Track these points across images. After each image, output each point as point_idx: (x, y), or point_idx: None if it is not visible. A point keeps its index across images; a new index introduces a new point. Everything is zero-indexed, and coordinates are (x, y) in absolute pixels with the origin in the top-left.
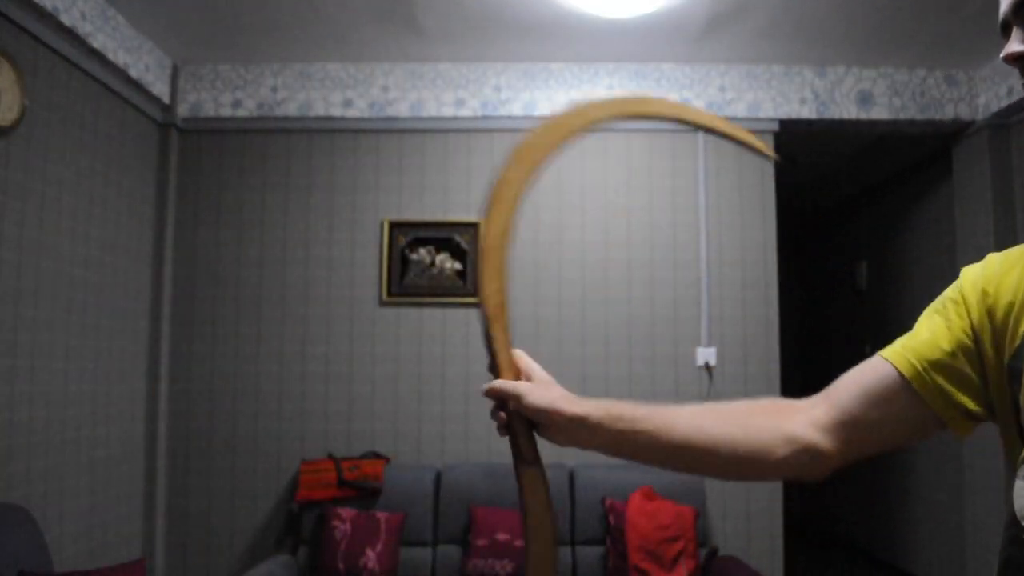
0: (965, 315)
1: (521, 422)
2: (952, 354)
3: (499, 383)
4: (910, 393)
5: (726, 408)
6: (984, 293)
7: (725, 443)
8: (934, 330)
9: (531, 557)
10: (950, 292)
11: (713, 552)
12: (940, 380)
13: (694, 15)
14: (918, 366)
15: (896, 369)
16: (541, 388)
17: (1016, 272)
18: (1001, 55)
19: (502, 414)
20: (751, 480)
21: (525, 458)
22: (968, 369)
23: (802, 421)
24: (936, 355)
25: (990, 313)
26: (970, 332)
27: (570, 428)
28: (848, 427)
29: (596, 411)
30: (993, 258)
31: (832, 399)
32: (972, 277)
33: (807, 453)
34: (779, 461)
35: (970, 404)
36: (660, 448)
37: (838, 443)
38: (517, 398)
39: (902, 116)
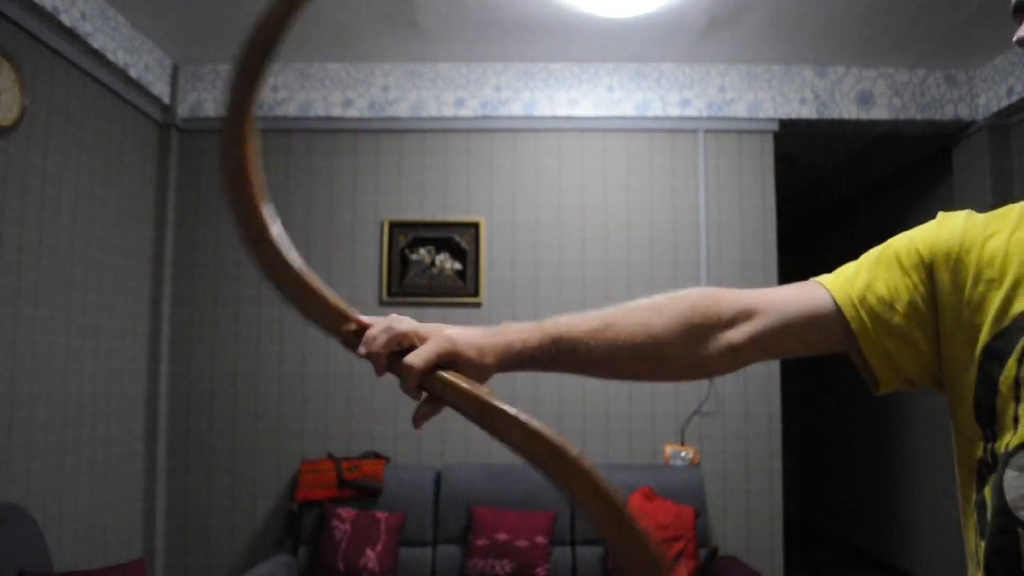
0: (927, 282)
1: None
2: (906, 318)
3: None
4: (851, 344)
5: (653, 305)
6: (960, 262)
7: (664, 341)
8: (892, 288)
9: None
10: (919, 244)
11: (713, 552)
12: (888, 344)
13: (694, 15)
14: (868, 323)
15: (845, 319)
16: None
17: (1001, 239)
18: (1014, 38)
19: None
20: (661, 377)
21: (478, 411)
22: (919, 337)
23: (728, 337)
24: (889, 316)
25: (963, 284)
26: (930, 301)
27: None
28: (766, 346)
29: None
30: (975, 220)
31: (762, 320)
32: (947, 239)
33: (724, 361)
34: (698, 364)
35: (914, 374)
36: (592, 334)
37: (750, 353)
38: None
39: (902, 116)
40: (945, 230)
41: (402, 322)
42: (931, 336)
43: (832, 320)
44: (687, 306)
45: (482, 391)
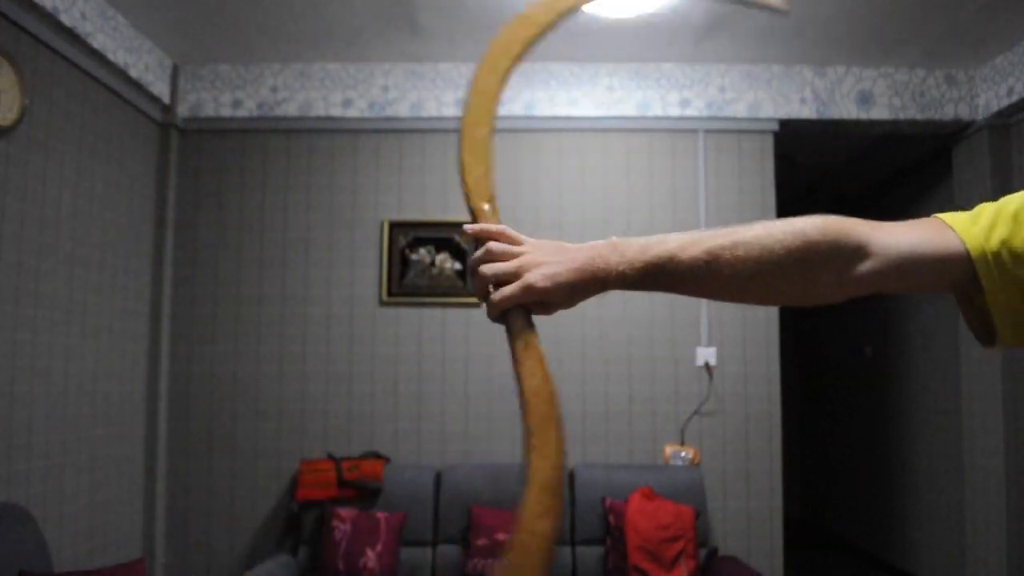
0: None
1: (516, 310)
2: None
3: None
4: (971, 293)
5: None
6: None
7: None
8: None
9: (531, 436)
10: None
11: (713, 552)
12: (1018, 302)
13: (694, 15)
14: (999, 279)
15: (975, 270)
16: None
17: None
18: None
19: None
20: (786, 298)
21: (522, 349)
22: None
23: (847, 270)
24: (1022, 275)
25: None
26: None
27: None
28: (882, 283)
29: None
30: None
31: (885, 258)
32: None
33: (834, 292)
34: (807, 292)
35: None
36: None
37: (865, 288)
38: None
39: (902, 116)
40: None
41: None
42: None
43: (958, 267)
44: (816, 232)
45: (532, 352)
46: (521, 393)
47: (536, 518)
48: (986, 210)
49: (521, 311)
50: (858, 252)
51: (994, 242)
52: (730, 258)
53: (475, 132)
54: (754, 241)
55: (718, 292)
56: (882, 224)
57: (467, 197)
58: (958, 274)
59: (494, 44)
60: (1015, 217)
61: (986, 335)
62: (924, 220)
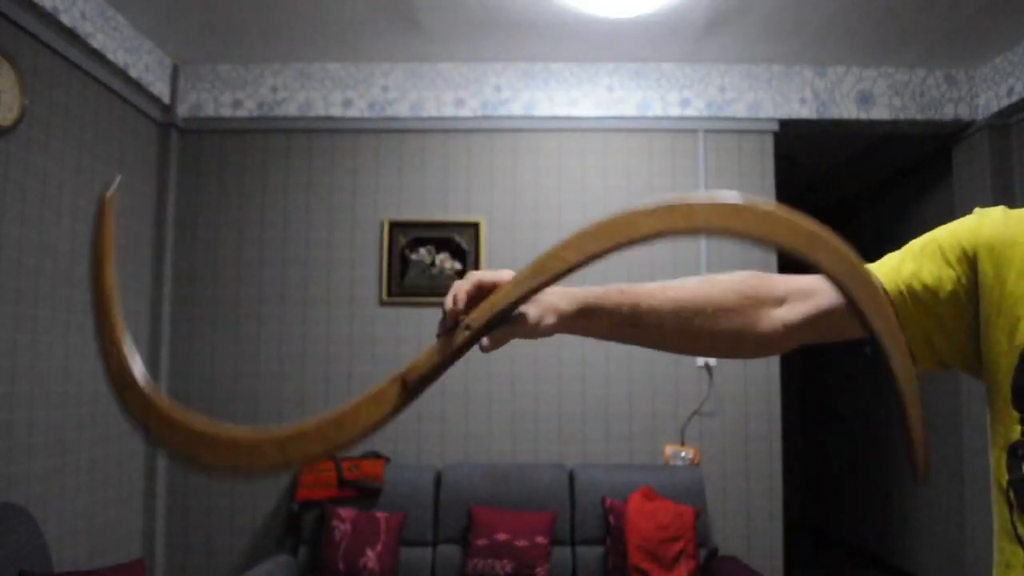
0: (969, 273)
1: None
2: (947, 306)
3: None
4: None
5: (711, 283)
6: (1003, 256)
7: (721, 308)
8: (936, 277)
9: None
10: (962, 237)
11: (713, 552)
12: (929, 329)
13: (694, 15)
14: (912, 308)
15: (892, 303)
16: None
17: None
18: None
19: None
20: (718, 351)
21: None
22: (958, 326)
23: (781, 315)
24: (933, 304)
25: (1005, 276)
26: (971, 292)
27: (541, 333)
28: (818, 326)
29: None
30: (1015, 216)
31: (815, 301)
32: (991, 232)
33: (777, 339)
34: (753, 338)
35: (949, 358)
36: (651, 306)
37: (803, 333)
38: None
39: (902, 116)
40: (987, 224)
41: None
42: (970, 326)
43: None
44: (739, 280)
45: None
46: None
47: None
48: (893, 254)
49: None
50: (792, 294)
51: (905, 274)
52: (660, 300)
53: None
54: (695, 280)
55: (645, 337)
56: (812, 276)
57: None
58: None
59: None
60: (922, 251)
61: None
62: None
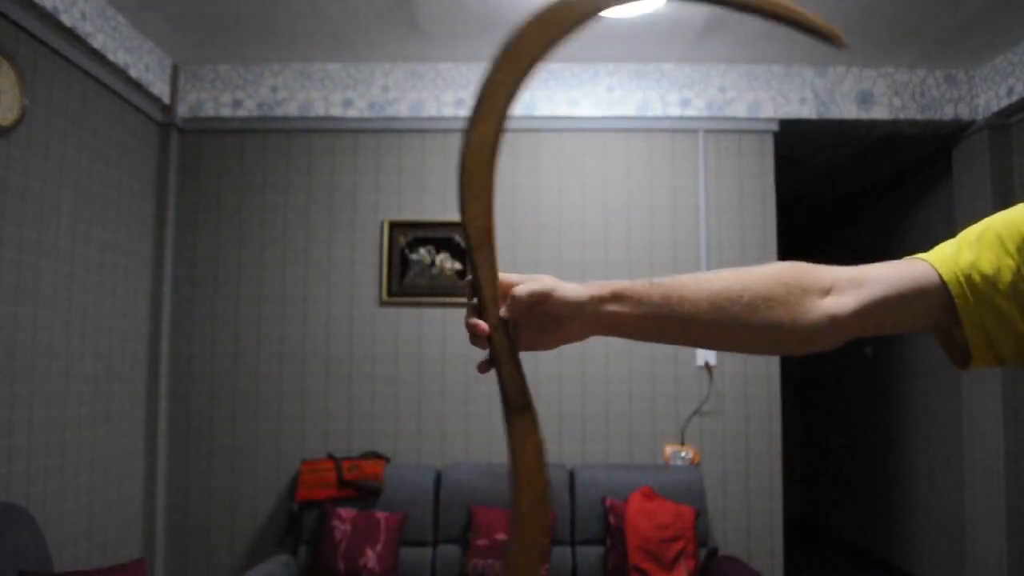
0: None
1: (508, 352)
2: (1007, 297)
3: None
4: (948, 319)
5: (753, 273)
6: None
7: (764, 300)
8: (995, 267)
9: (520, 514)
10: (1021, 225)
11: (713, 552)
12: (988, 321)
13: (694, 15)
14: (971, 299)
15: (949, 294)
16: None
17: None
18: None
19: (484, 332)
20: (764, 346)
21: (514, 402)
22: (1017, 317)
23: (827, 305)
24: (992, 295)
25: None
26: None
27: (569, 307)
28: (868, 319)
29: (602, 287)
30: None
31: (867, 291)
32: None
33: (825, 333)
34: (799, 334)
35: (1007, 353)
36: (687, 304)
37: (853, 326)
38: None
39: (902, 116)
40: None
41: (522, 286)
42: None
43: (935, 295)
44: (779, 269)
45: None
46: (514, 470)
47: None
48: (948, 242)
49: (516, 372)
50: (839, 284)
51: (963, 264)
52: (693, 289)
53: (481, 157)
54: (715, 277)
55: (680, 330)
56: (861, 266)
57: (465, 238)
58: (937, 302)
59: (510, 45)
60: (979, 240)
61: (961, 358)
62: (900, 260)
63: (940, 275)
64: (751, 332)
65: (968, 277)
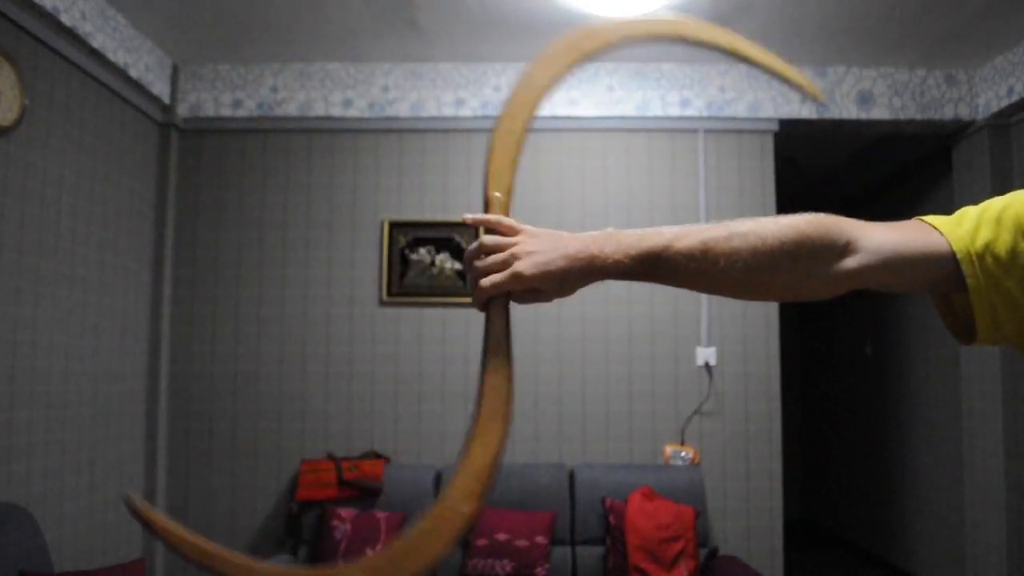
0: None
1: (500, 301)
2: (1019, 283)
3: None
4: (958, 287)
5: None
6: None
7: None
8: (1011, 251)
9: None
10: None
11: (713, 552)
12: (997, 303)
13: (694, 15)
14: (983, 281)
15: (960, 271)
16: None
17: None
18: None
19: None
20: (765, 292)
21: (494, 344)
22: (1022, 301)
23: (836, 266)
24: (1004, 279)
25: None
26: None
27: (609, 274)
28: (868, 278)
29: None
30: None
31: (873, 256)
32: None
33: (822, 287)
34: (798, 287)
35: (1012, 335)
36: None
37: (852, 283)
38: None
39: (902, 116)
40: None
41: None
42: None
43: (942, 267)
44: (802, 226)
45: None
46: (480, 385)
47: (462, 499)
48: (969, 213)
49: (502, 307)
50: (848, 247)
51: (979, 244)
52: (725, 248)
53: (511, 124)
54: (749, 233)
55: (711, 283)
56: (869, 223)
57: (485, 183)
58: (941, 273)
59: (557, 44)
60: (998, 220)
61: (964, 333)
62: (908, 222)
63: (953, 250)
64: (777, 285)
65: (981, 258)
